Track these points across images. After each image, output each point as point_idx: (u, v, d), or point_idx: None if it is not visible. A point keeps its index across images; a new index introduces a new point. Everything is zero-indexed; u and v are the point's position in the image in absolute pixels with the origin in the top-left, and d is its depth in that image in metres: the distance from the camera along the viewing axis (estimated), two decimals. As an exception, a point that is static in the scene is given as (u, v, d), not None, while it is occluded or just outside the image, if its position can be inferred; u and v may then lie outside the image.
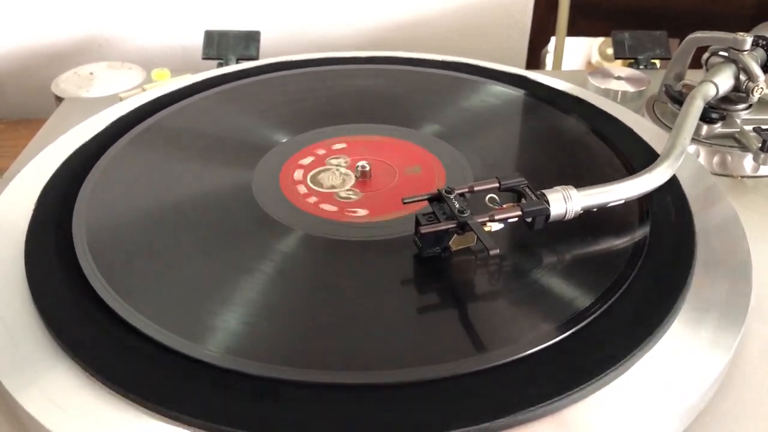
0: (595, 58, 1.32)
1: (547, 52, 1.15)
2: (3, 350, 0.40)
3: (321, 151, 0.59)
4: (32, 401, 0.37)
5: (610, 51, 1.27)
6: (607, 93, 0.74)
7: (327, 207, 0.52)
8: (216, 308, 0.43)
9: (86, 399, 0.37)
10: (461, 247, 0.46)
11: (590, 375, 0.38)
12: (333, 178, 0.55)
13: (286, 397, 0.37)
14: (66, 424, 0.36)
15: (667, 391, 0.38)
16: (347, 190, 0.54)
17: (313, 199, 0.53)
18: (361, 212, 0.52)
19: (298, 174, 0.56)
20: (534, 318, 0.42)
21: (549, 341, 0.40)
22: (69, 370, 0.39)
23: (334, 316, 0.43)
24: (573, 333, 0.40)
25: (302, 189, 0.54)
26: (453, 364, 0.38)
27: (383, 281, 0.46)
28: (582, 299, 0.43)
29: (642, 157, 0.55)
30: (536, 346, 0.39)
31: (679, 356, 0.40)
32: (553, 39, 1.10)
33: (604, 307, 0.42)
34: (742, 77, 0.62)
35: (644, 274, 0.45)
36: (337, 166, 0.57)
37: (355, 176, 0.55)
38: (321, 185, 0.54)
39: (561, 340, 0.40)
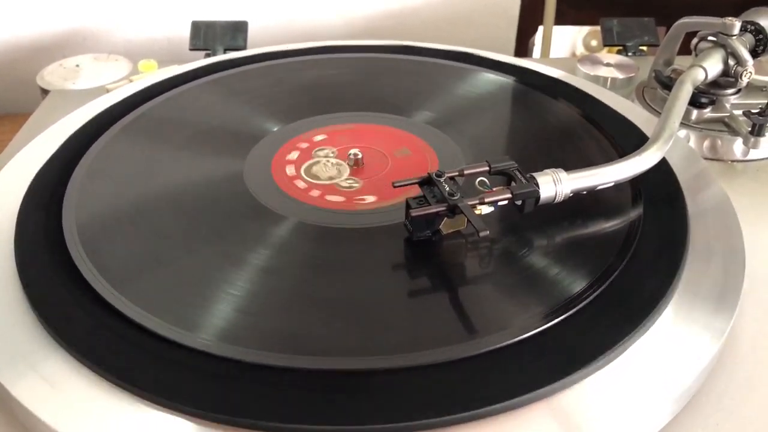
0: (580, 50, 1.32)
1: (533, 43, 1.15)
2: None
3: (317, 137, 0.59)
4: (26, 393, 0.37)
5: (594, 43, 1.27)
6: (596, 80, 0.74)
7: (333, 198, 0.52)
8: (209, 297, 0.42)
9: (80, 389, 0.37)
10: (452, 230, 0.46)
11: (583, 360, 0.38)
12: (327, 169, 0.55)
13: (281, 384, 0.37)
14: (60, 414, 0.36)
15: (661, 375, 0.38)
16: (346, 179, 0.54)
17: (308, 189, 0.53)
18: (369, 198, 0.52)
19: (290, 168, 0.55)
20: (527, 303, 0.42)
21: (542, 326, 0.40)
22: (62, 361, 0.38)
23: (327, 303, 0.43)
24: (566, 318, 0.40)
25: (297, 180, 0.54)
26: (445, 350, 0.38)
27: (375, 267, 0.45)
28: (575, 284, 0.43)
29: (633, 142, 0.55)
30: (529, 331, 0.39)
31: (673, 340, 0.40)
32: (540, 28, 1.10)
33: (598, 291, 0.42)
34: (731, 62, 0.62)
35: (637, 258, 0.45)
36: (326, 157, 0.56)
37: (348, 164, 0.55)
38: (318, 177, 0.54)
39: (554, 325, 0.40)
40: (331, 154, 0.57)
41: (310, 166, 0.55)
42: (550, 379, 0.36)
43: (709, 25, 0.63)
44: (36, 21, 0.96)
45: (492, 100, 0.67)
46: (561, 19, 1.09)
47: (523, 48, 1.12)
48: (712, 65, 0.61)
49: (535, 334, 0.39)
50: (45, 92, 0.76)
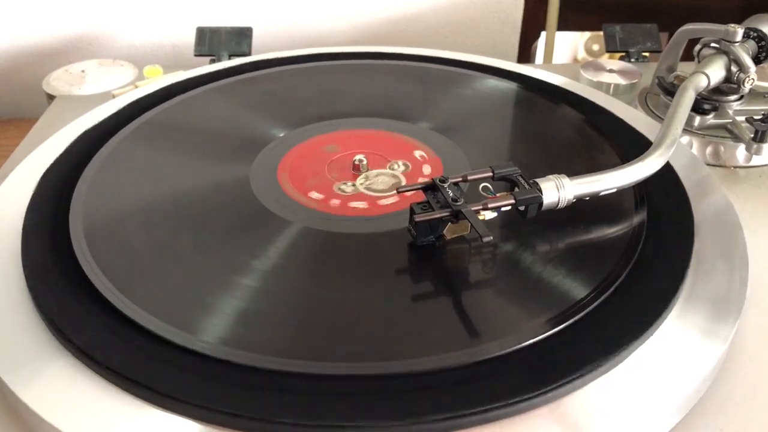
0: (581, 55, 1.33)
1: (536, 48, 1.15)
2: (2, 346, 0.40)
3: (321, 142, 0.60)
4: (33, 396, 0.37)
5: (596, 47, 1.28)
6: (599, 86, 0.74)
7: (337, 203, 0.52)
8: (215, 300, 0.43)
9: (86, 392, 0.37)
10: (455, 235, 0.46)
11: (587, 365, 0.38)
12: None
13: (283, 389, 0.37)
14: (66, 417, 0.36)
15: (665, 381, 0.38)
16: (347, 184, 0.54)
17: (315, 195, 0.53)
18: (360, 205, 0.52)
19: (294, 169, 0.56)
20: (530, 308, 0.43)
21: (547, 332, 0.40)
22: (68, 364, 0.39)
23: (330, 307, 0.43)
24: (570, 323, 0.40)
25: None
26: (450, 355, 0.38)
27: (380, 273, 0.46)
28: (579, 289, 0.43)
29: (636, 148, 0.55)
30: (534, 337, 0.39)
31: (677, 346, 0.40)
32: (543, 34, 1.10)
33: (602, 297, 0.42)
34: (734, 68, 0.62)
35: (641, 264, 0.45)
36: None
37: (352, 170, 0.55)
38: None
39: (558, 330, 0.40)
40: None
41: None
42: (554, 384, 0.37)
43: (711, 31, 0.64)
44: (41, 26, 0.97)
45: (495, 106, 0.67)
46: (563, 25, 1.09)
47: (525, 53, 1.12)
48: (715, 72, 0.62)
49: (539, 340, 0.39)
50: (51, 98, 0.76)
